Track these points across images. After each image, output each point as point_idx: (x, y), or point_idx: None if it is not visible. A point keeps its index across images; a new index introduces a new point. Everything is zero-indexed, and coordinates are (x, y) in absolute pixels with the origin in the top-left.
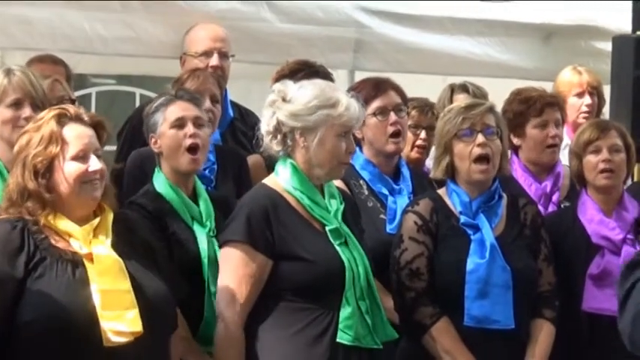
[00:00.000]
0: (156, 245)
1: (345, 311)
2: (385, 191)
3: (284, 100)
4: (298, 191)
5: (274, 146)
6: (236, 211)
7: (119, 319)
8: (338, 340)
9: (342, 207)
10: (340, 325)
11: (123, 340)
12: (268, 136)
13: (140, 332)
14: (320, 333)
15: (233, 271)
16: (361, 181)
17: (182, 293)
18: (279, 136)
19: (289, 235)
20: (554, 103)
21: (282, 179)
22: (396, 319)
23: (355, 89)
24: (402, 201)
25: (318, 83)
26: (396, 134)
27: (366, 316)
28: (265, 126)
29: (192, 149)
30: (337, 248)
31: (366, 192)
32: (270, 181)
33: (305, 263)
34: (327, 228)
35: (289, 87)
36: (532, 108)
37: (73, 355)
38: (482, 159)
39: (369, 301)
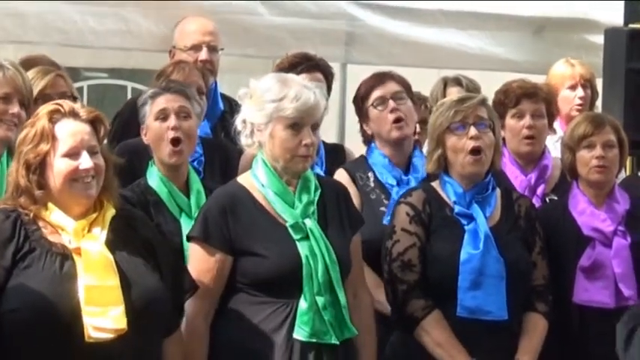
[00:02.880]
0: (158, 244)
1: (301, 306)
2: (392, 181)
3: (250, 95)
4: (264, 187)
5: (243, 140)
6: (199, 210)
7: (103, 315)
8: (295, 335)
9: (315, 199)
10: (297, 321)
11: (105, 336)
12: (239, 130)
13: (124, 330)
14: (276, 326)
15: (193, 267)
16: (369, 174)
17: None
18: (246, 131)
19: (247, 232)
20: (532, 94)
21: (253, 175)
22: (386, 310)
23: (359, 87)
24: None
25: (275, 77)
26: (398, 120)
27: (323, 312)
28: (237, 120)
29: (175, 141)
30: (297, 243)
31: (372, 184)
32: (243, 177)
33: (260, 258)
34: (287, 223)
35: (259, 83)
36: (509, 98)
37: (55, 347)
38: (474, 152)
39: (330, 296)
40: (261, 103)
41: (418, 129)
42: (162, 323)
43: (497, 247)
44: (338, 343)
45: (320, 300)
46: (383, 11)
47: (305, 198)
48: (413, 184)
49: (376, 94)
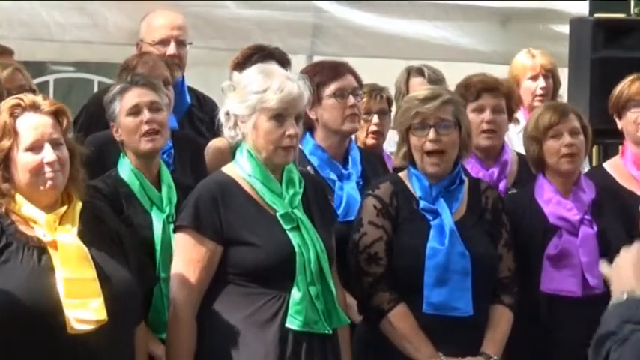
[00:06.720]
0: (124, 235)
1: (294, 296)
2: (333, 177)
3: (233, 87)
4: (252, 177)
5: (226, 132)
6: (187, 199)
7: (83, 306)
8: (287, 325)
9: (300, 191)
10: (290, 311)
11: (87, 327)
12: (222, 122)
13: (105, 320)
14: (269, 317)
15: (182, 257)
16: (308, 167)
17: (152, 282)
18: (230, 123)
19: (238, 221)
20: (493, 88)
21: (238, 166)
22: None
23: (311, 71)
24: (350, 186)
25: (258, 68)
26: (353, 115)
27: (316, 302)
28: (220, 113)
29: (150, 134)
30: (288, 233)
31: None
32: (227, 168)
33: (253, 248)
34: (277, 214)
35: (242, 75)
36: (469, 92)
37: (37, 341)
38: (433, 154)
39: (321, 286)
40: (245, 94)
41: (377, 120)
42: (136, 313)
43: (463, 241)
44: (330, 332)
45: (312, 289)
46: (349, 3)
47: (291, 189)
48: (353, 178)
49: (336, 85)
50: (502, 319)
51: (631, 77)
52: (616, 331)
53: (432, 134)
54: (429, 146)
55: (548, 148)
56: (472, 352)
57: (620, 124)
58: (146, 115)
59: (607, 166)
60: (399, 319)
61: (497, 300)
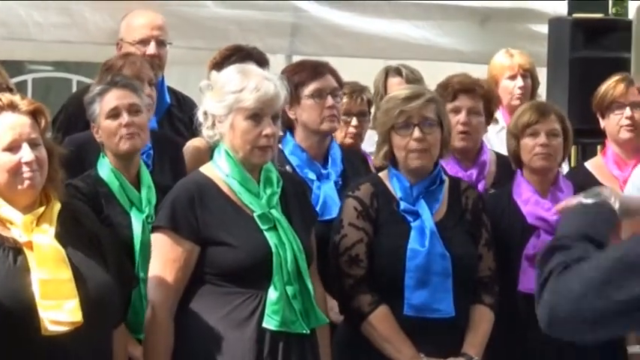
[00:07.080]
0: (103, 236)
1: (271, 296)
2: (312, 176)
3: (211, 87)
4: (229, 177)
5: (204, 132)
6: (164, 199)
7: (58, 308)
8: (264, 324)
9: (278, 191)
10: (267, 310)
11: (61, 329)
12: (201, 121)
13: (80, 322)
14: (246, 317)
15: (159, 257)
16: (287, 167)
17: (132, 285)
18: (208, 123)
19: (215, 221)
20: (470, 90)
21: (216, 165)
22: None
23: (291, 71)
24: (328, 186)
25: (236, 68)
26: (332, 116)
27: (293, 301)
28: (199, 112)
29: (129, 137)
30: (265, 233)
31: None
32: (205, 167)
33: (229, 248)
34: (254, 214)
35: (220, 74)
36: (447, 93)
37: (11, 341)
38: (417, 152)
39: (298, 285)
40: (222, 94)
41: (356, 122)
42: (113, 314)
43: (443, 242)
44: (308, 332)
45: (290, 289)
46: (328, 3)
47: (269, 188)
48: (332, 177)
49: (315, 85)
50: (483, 320)
51: (616, 78)
52: (569, 245)
53: (416, 133)
54: (413, 145)
55: (524, 145)
56: (453, 352)
57: (602, 124)
58: (125, 118)
59: (588, 165)
60: (380, 321)
61: (478, 300)
